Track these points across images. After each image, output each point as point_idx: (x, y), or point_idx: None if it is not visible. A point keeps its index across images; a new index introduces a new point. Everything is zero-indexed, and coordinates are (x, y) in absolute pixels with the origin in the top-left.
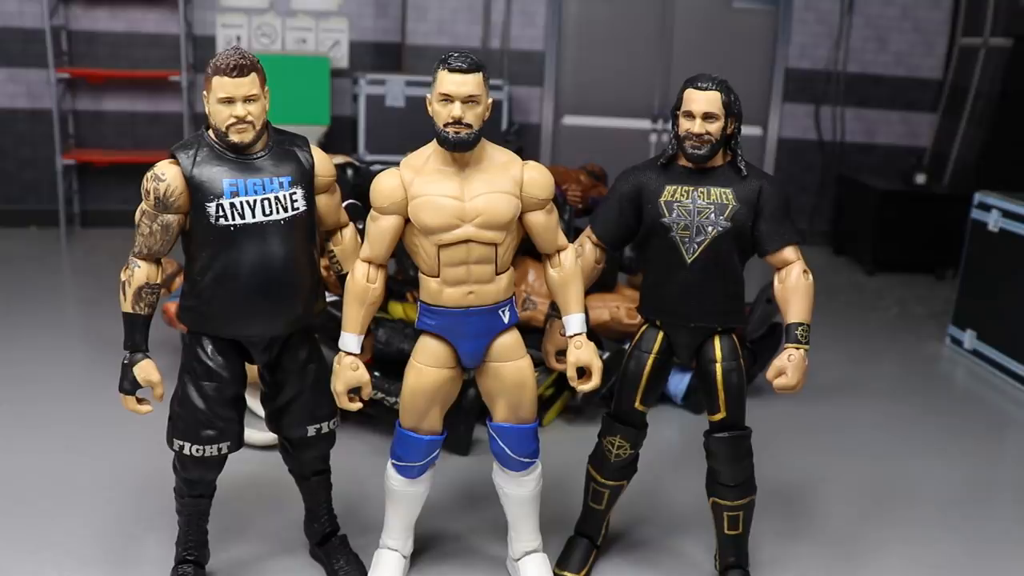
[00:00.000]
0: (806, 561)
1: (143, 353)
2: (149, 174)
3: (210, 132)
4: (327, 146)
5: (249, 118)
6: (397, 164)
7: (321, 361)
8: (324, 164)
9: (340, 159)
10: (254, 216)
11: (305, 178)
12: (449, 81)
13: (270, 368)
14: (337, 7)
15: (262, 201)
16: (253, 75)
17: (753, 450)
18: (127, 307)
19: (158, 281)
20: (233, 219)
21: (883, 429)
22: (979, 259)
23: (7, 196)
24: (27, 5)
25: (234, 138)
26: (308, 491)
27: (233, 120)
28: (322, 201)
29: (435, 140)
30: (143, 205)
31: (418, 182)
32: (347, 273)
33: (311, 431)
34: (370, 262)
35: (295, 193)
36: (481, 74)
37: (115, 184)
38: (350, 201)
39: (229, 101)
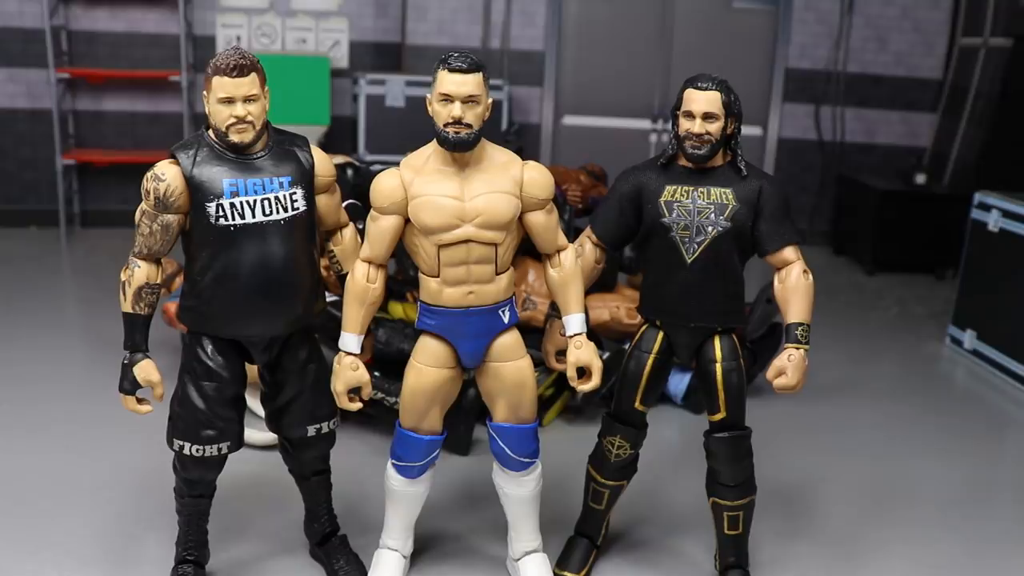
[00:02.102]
0: (806, 561)
1: (143, 353)
2: (149, 174)
3: (210, 132)
4: (327, 146)
5: (249, 118)
6: (397, 164)
7: (321, 361)
8: (324, 164)
9: (340, 159)
10: (254, 216)
11: (305, 178)
12: (449, 81)
13: (270, 368)
14: (337, 7)
15: (262, 201)
16: (253, 75)
17: (753, 450)
18: (127, 307)
19: (158, 281)
20: (233, 219)
21: (883, 429)
22: (979, 259)
23: (7, 196)
24: (27, 5)
25: (234, 138)
26: (308, 491)
27: (233, 120)
28: (322, 201)
29: (435, 140)
30: (143, 205)
31: (418, 182)
32: (347, 273)
33: (311, 431)
34: (370, 262)
35: (295, 193)
36: (481, 74)
37: (115, 184)
38: (350, 201)
39: (229, 101)
